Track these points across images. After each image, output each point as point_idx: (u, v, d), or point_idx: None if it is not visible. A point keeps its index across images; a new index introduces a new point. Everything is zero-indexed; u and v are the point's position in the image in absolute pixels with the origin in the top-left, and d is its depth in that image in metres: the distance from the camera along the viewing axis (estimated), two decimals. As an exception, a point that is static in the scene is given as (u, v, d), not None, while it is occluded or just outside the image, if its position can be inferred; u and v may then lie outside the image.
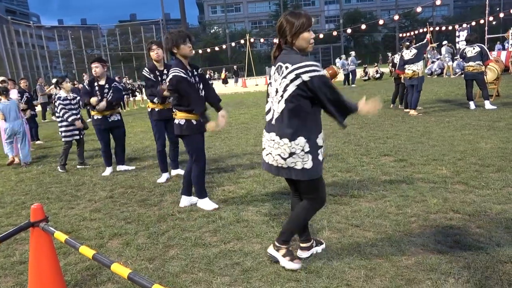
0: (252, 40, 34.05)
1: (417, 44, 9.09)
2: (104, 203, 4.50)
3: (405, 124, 7.64)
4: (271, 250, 2.71)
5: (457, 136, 6.05)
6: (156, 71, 5.04)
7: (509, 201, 3.40)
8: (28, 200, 4.89)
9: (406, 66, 8.75)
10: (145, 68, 5.06)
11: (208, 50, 37.80)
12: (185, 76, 3.61)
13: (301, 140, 2.40)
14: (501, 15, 27.24)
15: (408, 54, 8.74)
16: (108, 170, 5.92)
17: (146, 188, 4.91)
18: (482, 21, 24.05)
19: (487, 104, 8.43)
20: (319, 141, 2.46)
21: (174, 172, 5.43)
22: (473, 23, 27.10)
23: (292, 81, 2.37)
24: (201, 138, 3.89)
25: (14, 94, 8.42)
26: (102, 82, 5.71)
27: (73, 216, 4.14)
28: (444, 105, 9.61)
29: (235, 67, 36.32)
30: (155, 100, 4.93)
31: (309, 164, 2.42)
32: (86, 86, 5.75)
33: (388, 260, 2.62)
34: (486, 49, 8.64)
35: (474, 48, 8.51)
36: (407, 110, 9.13)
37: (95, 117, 5.75)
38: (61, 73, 48.21)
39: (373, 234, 3.02)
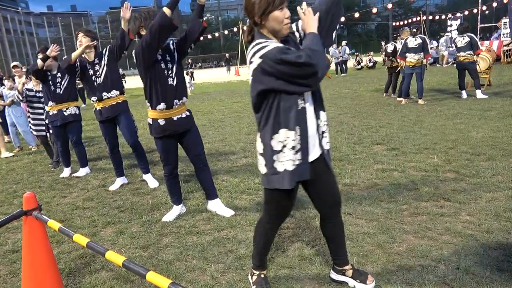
0: (245, 28, 33.72)
1: (423, 35, 8.97)
2: (97, 192, 4.49)
3: (398, 113, 7.67)
4: (249, 276, 2.39)
5: (449, 125, 6.10)
6: (87, 64, 4.37)
7: (499, 189, 3.46)
8: (19, 189, 4.85)
9: (408, 54, 8.68)
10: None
11: (201, 38, 37.41)
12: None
13: (258, 139, 2.03)
14: (494, 4, 27.28)
15: (413, 42, 8.56)
16: (67, 171, 5.37)
17: (139, 176, 4.89)
18: (475, 11, 24.07)
19: (479, 94, 8.48)
20: (274, 143, 1.92)
21: (144, 177, 4.72)
22: (466, 13, 27.12)
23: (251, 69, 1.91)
24: (160, 142, 3.29)
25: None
26: (53, 71, 5.03)
27: (66, 205, 4.12)
28: (436, 94, 9.66)
29: (227, 55, 36.07)
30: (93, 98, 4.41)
31: (263, 169, 2.01)
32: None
33: (379, 247, 2.66)
34: (476, 39, 8.61)
35: (464, 38, 8.51)
36: (400, 99, 9.16)
37: (50, 113, 5.09)
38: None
39: (365, 222, 3.05)
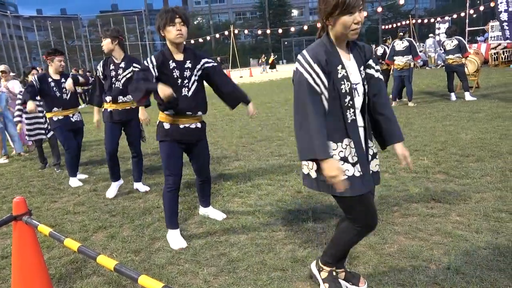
0: (236, 31, 33.79)
1: (410, 38, 9.03)
2: (87, 196, 4.45)
3: (388, 115, 7.72)
4: (313, 267, 2.34)
5: (438, 127, 6.17)
6: (111, 64, 4.21)
7: (487, 190, 3.50)
8: (9, 194, 4.80)
9: (395, 57, 8.75)
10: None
11: (192, 41, 37.40)
12: (146, 65, 2.90)
13: None
14: (481, 8, 27.71)
15: (400, 45, 8.64)
16: (76, 181, 5.04)
17: (131, 180, 4.86)
18: (463, 14, 24.41)
19: (467, 96, 8.59)
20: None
21: (135, 185, 4.60)
22: (454, 16, 27.49)
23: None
24: (163, 146, 3.05)
25: (14, 84, 7.83)
26: (56, 76, 4.94)
27: (56, 210, 4.08)
28: (425, 97, 9.76)
29: (218, 58, 36.11)
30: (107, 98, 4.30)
31: (311, 173, 1.98)
32: (35, 82, 4.80)
33: (371, 249, 2.67)
34: (465, 42, 8.74)
35: (452, 41, 8.62)
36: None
37: (54, 118, 4.87)
38: (41, 64, 47.04)
39: (357, 224, 3.06)
